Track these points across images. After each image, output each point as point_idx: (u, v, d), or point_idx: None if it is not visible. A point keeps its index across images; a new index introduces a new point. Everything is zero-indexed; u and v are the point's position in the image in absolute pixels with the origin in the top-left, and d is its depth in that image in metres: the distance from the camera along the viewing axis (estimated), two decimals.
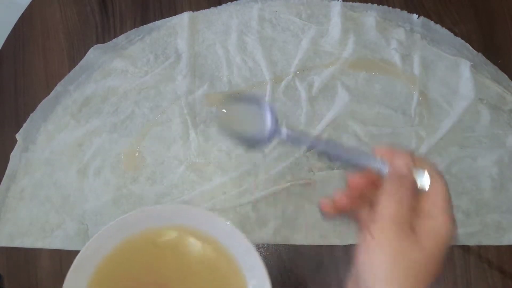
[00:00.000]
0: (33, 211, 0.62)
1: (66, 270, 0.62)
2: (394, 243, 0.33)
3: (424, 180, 0.35)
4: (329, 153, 0.40)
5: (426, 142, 0.62)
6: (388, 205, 0.34)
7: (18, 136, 0.64)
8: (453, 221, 0.35)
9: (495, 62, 0.65)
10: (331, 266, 0.61)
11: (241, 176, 0.62)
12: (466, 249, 0.60)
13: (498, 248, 0.60)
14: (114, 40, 0.68)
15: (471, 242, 0.60)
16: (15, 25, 0.69)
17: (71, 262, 0.62)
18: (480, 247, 0.60)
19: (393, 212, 0.34)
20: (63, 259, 0.62)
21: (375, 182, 0.37)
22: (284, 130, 0.39)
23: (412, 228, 0.34)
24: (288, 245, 0.61)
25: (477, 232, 0.60)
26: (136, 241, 0.53)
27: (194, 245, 0.53)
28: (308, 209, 0.61)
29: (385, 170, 0.36)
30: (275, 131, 0.39)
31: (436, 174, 0.36)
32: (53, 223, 0.62)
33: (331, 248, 0.61)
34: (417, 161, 0.36)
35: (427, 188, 0.35)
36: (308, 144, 0.40)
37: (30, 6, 0.70)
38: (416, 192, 0.35)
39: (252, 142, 0.41)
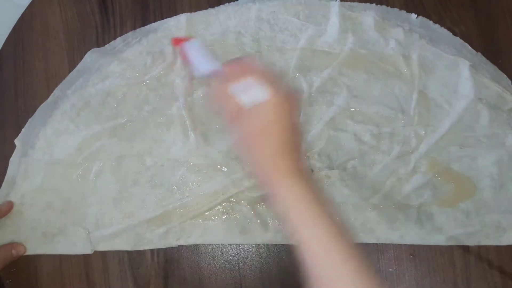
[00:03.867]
0: (34, 216, 0.63)
1: (66, 271, 0.63)
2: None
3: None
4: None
5: (426, 141, 0.62)
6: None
7: (17, 141, 0.64)
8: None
9: (495, 62, 0.64)
10: None
11: (242, 176, 0.62)
12: (466, 249, 0.60)
13: (498, 248, 0.60)
14: (111, 43, 0.67)
15: (471, 242, 0.60)
16: (15, 25, 0.69)
17: (71, 263, 0.62)
18: (480, 247, 0.60)
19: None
20: (63, 260, 0.62)
21: None
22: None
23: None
24: (288, 245, 0.61)
25: (477, 232, 0.60)
26: None
27: None
28: None
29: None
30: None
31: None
32: (54, 228, 0.62)
33: None
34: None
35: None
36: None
37: (30, 7, 0.70)
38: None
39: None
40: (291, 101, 0.44)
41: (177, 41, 0.60)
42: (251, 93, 0.43)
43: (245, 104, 0.44)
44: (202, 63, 0.52)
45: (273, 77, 0.45)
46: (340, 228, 0.41)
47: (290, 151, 0.43)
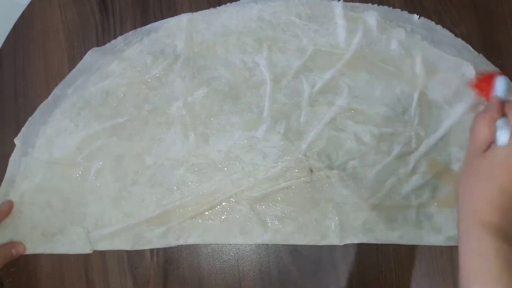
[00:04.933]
0: (33, 216, 0.62)
1: (66, 270, 0.63)
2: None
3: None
4: None
5: (426, 142, 0.62)
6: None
7: (16, 140, 0.64)
8: None
9: (495, 62, 0.64)
10: (330, 266, 0.61)
11: (241, 176, 0.62)
12: None
13: None
14: (112, 42, 0.67)
15: None
16: (15, 25, 0.69)
17: (70, 262, 0.62)
18: None
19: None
20: (62, 259, 0.62)
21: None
22: None
23: None
24: (288, 245, 0.61)
25: None
26: None
27: None
28: (308, 209, 0.61)
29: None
30: None
31: None
32: (54, 227, 0.62)
33: (331, 248, 0.61)
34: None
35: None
36: None
37: (30, 6, 0.70)
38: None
39: None
40: None
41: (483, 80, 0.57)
42: (506, 135, 0.44)
43: (498, 141, 0.44)
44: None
45: None
46: None
47: (504, 208, 0.42)
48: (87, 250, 0.62)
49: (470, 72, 0.62)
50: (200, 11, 0.67)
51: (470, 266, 0.42)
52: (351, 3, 0.66)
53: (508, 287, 0.39)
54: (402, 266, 0.61)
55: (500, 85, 0.51)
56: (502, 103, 0.48)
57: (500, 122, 0.45)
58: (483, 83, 0.55)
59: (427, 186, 0.61)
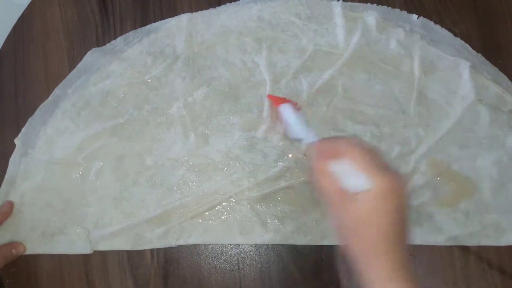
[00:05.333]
0: (34, 216, 0.63)
1: (66, 270, 0.63)
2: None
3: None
4: None
5: (426, 142, 0.62)
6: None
7: (17, 140, 0.64)
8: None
9: (495, 62, 0.65)
10: (331, 266, 0.61)
11: (241, 176, 0.62)
12: (466, 249, 0.60)
13: (498, 248, 0.60)
14: (112, 42, 0.67)
15: (471, 242, 0.60)
16: (15, 25, 0.69)
17: (71, 262, 0.62)
18: (480, 247, 0.60)
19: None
20: (62, 260, 0.62)
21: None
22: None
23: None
24: (288, 245, 0.61)
25: (477, 232, 0.60)
26: None
27: None
28: (308, 209, 0.61)
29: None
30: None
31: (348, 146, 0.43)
32: (54, 227, 0.62)
33: (331, 248, 0.61)
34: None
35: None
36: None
37: (30, 6, 0.70)
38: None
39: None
40: (398, 190, 0.40)
41: (274, 99, 0.61)
42: (355, 179, 0.41)
43: (348, 189, 0.42)
44: (297, 129, 0.54)
45: (378, 161, 0.41)
46: None
47: (395, 247, 0.40)
48: (87, 250, 0.62)
49: (468, 71, 0.62)
50: (200, 11, 0.67)
51: None
52: (350, 3, 0.67)
53: None
54: None
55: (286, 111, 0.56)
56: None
57: (333, 167, 0.43)
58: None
59: (427, 185, 0.61)
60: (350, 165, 0.42)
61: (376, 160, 0.41)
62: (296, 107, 0.58)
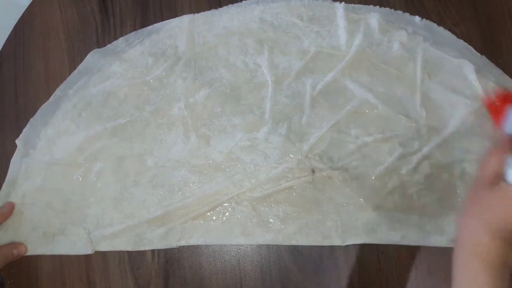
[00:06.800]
0: (35, 216, 0.62)
1: (67, 271, 0.63)
2: None
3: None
4: None
5: (428, 144, 0.61)
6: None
7: (18, 141, 0.64)
8: None
9: (495, 62, 0.65)
10: (332, 266, 0.61)
11: (243, 177, 0.62)
12: None
13: None
14: (114, 43, 0.67)
15: None
16: (15, 25, 0.69)
17: (71, 263, 0.62)
18: None
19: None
20: (63, 260, 0.62)
21: None
22: None
23: None
24: (289, 245, 0.61)
25: None
26: None
27: None
28: (309, 209, 0.61)
29: None
30: None
31: None
32: (55, 228, 0.62)
33: (332, 248, 0.61)
34: None
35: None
36: None
37: (30, 7, 0.70)
38: None
39: None
40: None
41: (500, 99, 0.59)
42: None
43: (507, 178, 0.42)
44: None
45: None
46: None
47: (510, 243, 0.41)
48: (88, 250, 0.62)
49: (472, 73, 0.62)
50: (201, 12, 0.67)
51: None
52: (352, 5, 0.67)
53: None
54: (403, 266, 0.61)
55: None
56: None
57: (511, 160, 0.44)
58: (497, 107, 0.56)
59: (430, 187, 0.61)
60: None
61: None
62: None
